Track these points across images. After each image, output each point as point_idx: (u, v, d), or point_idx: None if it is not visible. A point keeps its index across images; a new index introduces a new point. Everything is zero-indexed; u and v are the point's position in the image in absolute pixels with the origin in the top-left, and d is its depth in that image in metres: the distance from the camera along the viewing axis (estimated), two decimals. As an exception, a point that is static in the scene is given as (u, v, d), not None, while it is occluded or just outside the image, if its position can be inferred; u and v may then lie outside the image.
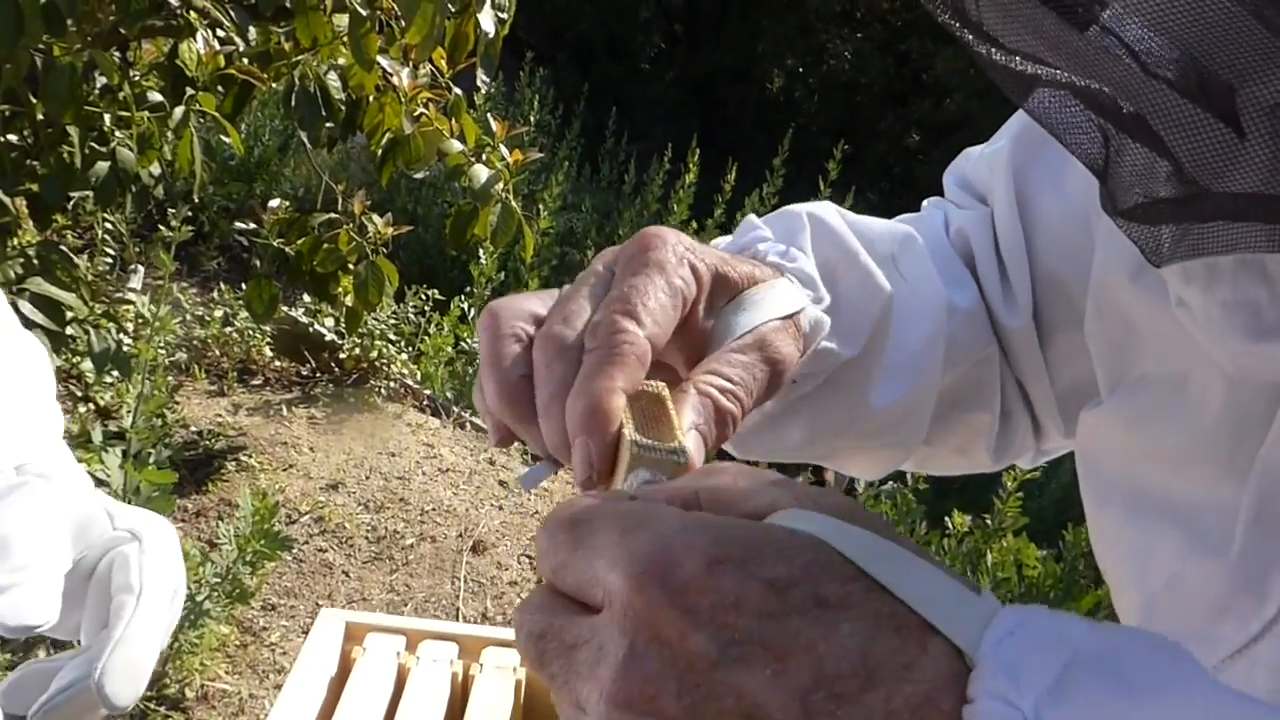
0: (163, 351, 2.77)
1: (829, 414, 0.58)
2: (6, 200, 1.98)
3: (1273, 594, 0.43)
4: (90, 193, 2.12)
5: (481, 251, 3.54)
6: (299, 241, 2.45)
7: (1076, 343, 0.60)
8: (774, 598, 0.29)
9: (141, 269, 3.32)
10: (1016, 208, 0.60)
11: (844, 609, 0.29)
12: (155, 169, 2.30)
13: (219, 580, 2.01)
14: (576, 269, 4.51)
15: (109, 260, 3.19)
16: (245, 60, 2.25)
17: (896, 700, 0.29)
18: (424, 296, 3.52)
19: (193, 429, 2.81)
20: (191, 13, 2.15)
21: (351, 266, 2.46)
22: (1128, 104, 0.35)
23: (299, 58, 2.26)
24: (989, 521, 2.68)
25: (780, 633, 0.29)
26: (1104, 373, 0.54)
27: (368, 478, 2.85)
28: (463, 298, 3.64)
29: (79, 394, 2.65)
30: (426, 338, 3.47)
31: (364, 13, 2.03)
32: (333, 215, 2.48)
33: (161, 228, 3.07)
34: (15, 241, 2.14)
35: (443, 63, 2.30)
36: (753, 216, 0.61)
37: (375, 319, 3.18)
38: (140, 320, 2.84)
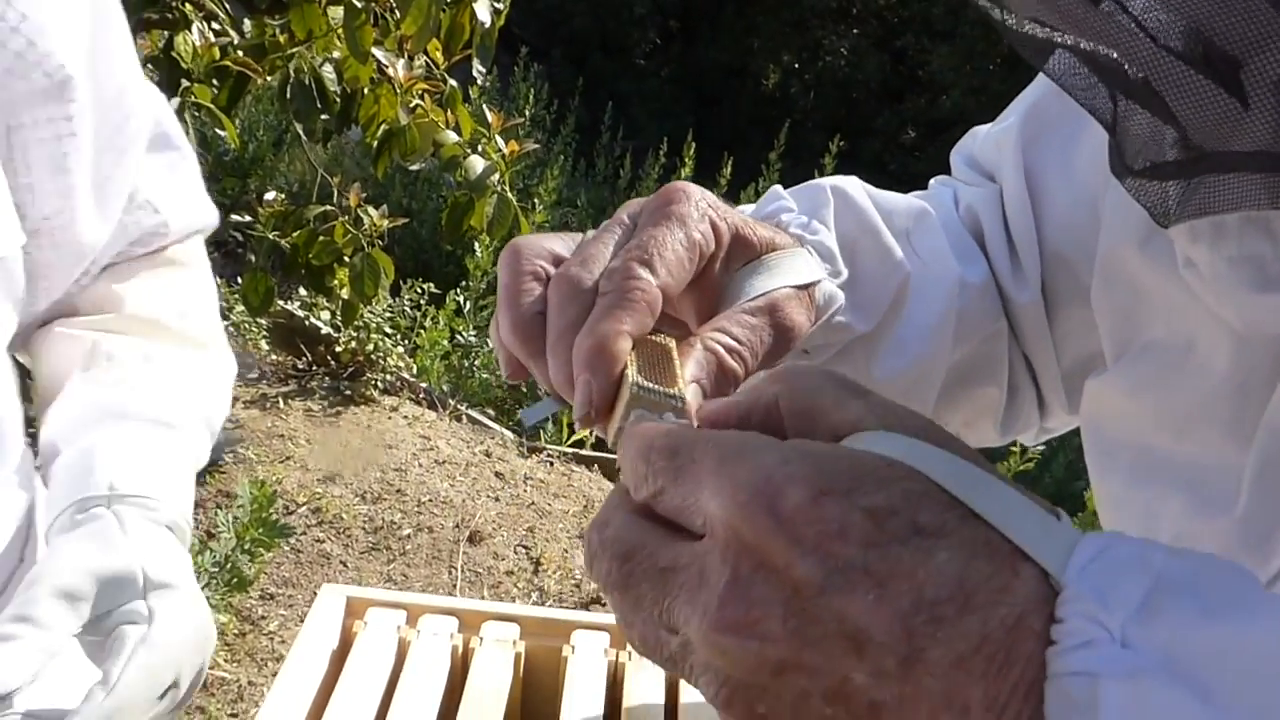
0: (159, 344, 2.77)
1: None
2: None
3: (1277, 550, 0.44)
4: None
5: (477, 245, 3.55)
6: (294, 234, 2.45)
7: (1082, 318, 0.61)
8: (875, 526, 0.30)
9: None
10: (1025, 184, 0.61)
11: (940, 536, 0.30)
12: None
13: (217, 569, 2.02)
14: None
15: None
16: (240, 53, 2.25)
17: (992, 622, 0.29)
18: (420, 290, 3.53)
19: (189, 421, 2.82)
20: (187, 5, 2.15)
21: (347, 259, 2.47)
22: (1136, 72, 0.36)
23: (294, 50, 2.26)
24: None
25: (882, 560, 0.30)
26: (1110, 341, 0.55)
27: (365, 469, 2.86)
28: (458, 291, 3.65)
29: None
30: (422, 331, 3.48)
31: (359, 4, 2.03)
32: (328, 208, 2.48)
33: (157, 221, 3.07)
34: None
35: (438, 54, 2.30)
36: (778, 188, 0.62)
37: (371, 312, 3.19)
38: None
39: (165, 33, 2.15)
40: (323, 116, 2.32)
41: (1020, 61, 0.42)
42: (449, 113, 2.32)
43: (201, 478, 2.63)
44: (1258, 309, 0.40)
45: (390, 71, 2.22)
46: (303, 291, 3.18)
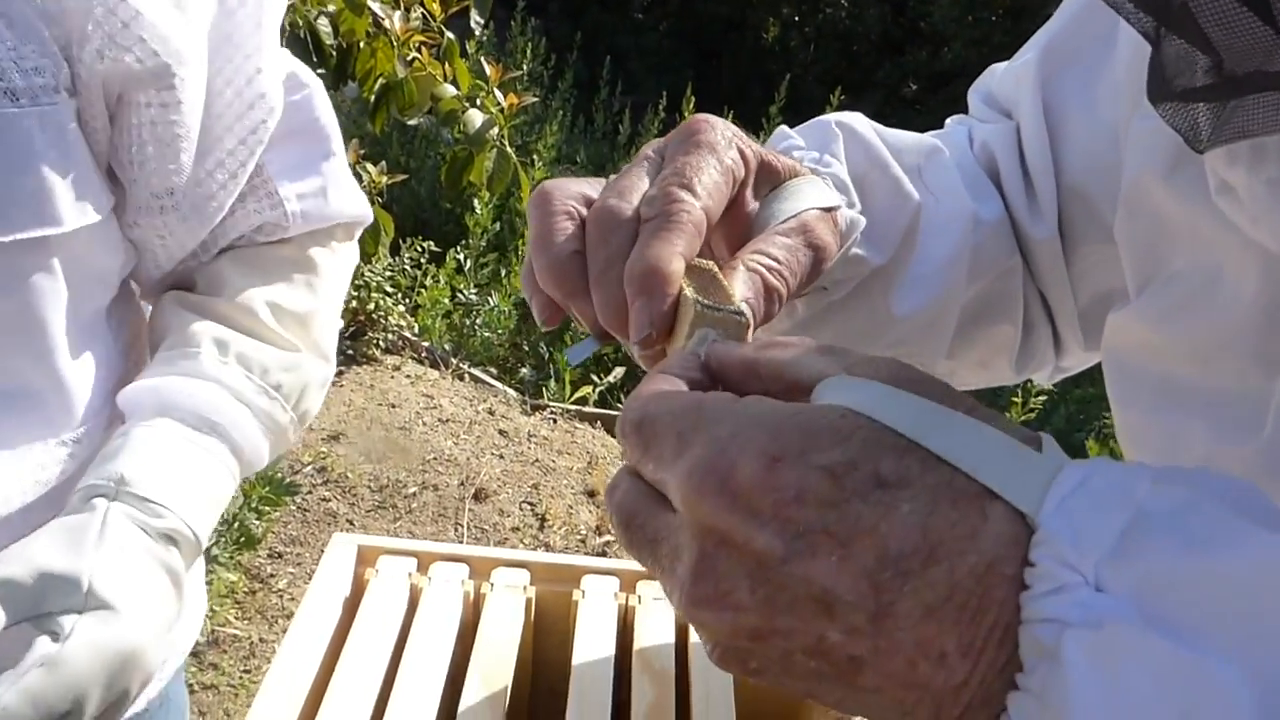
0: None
1: (854, 323, 0.59)
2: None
3: None
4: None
5: (477, 202, 3.53)
6: (294, 191, 2.43)
7: (1100, 255, 0.61)
8: (833, 485, 0.30)
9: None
10: (1044, 119, 0.61)
11: (902, 487, 0.30)
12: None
13: (225, 528, 2.03)
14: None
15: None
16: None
17: (960, 571, 0.29)
18: (420, 249, 3.51)
19: (193, 382, 2.82)
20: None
21: (347, 216, 2.45)
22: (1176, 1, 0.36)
23: (289, 2, 2.23)
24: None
25: (842, 519, 0.30)
26: (1134, 273, 0.55)
27: (369, 428, 2.86)
28: (458, 249, 3.63)
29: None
30: (423, 290, 3.47)
31: (354, -45, 2.00)
32: (327, 165, 2.46)
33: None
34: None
35: (435, 6, 2.27)
36: (784, 127, 0.62)
37: (371, 271, 3.18)
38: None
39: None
40: (318, 71, 2.29)
41: (1022, 12, 0.42)
42: (447, 66, 2.29)
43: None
44: None
45: (386, 24, 2.19)
46: (303, 251, 3.16)
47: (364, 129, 4.19)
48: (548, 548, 2.58)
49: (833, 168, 0.56)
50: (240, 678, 2.12)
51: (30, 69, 0.60)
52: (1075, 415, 3.71)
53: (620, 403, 3.37)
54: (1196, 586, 0.27)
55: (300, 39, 2.24)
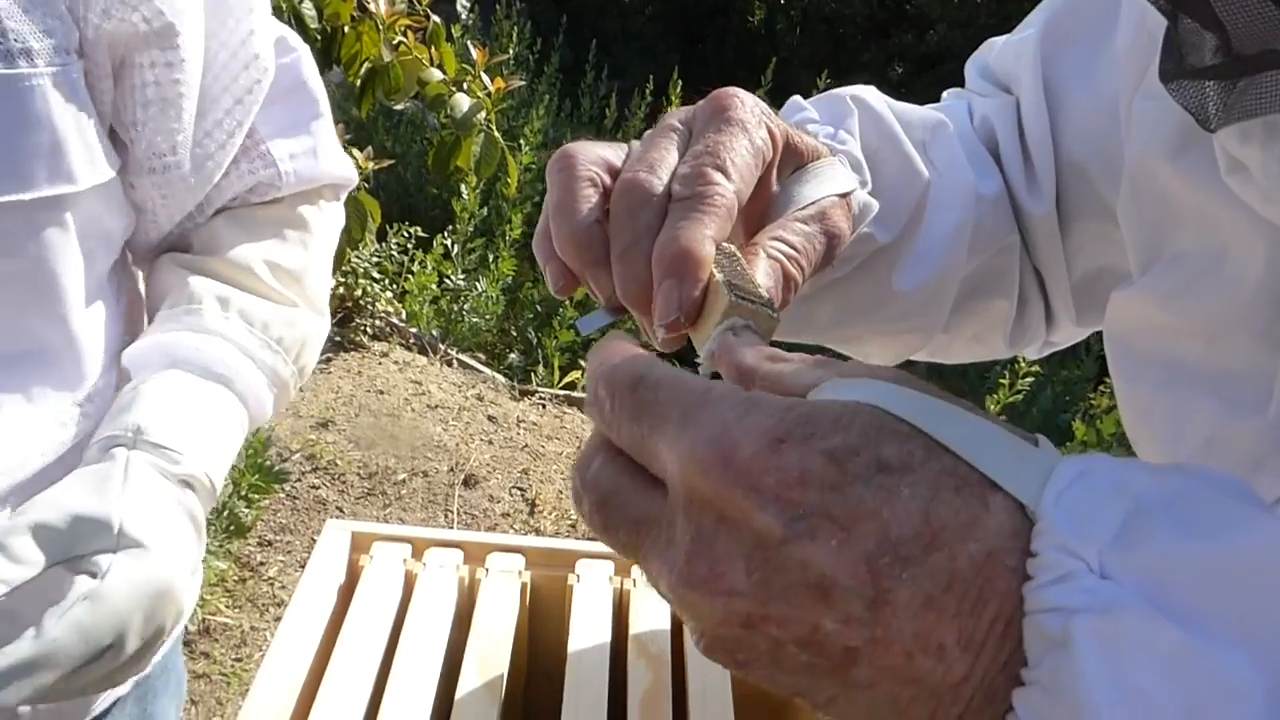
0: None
1: (856, 297, 0.59)
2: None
3: None
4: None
5: (464, 187, 3.51)
6: (280, 177, 2.42)
7: (1095, 231, 0.61)
8: (835, 468, 0.29)
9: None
10: (1044, 95, 0.61)
11: (904, 472, 0.30)
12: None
13: (215, 516, 2.02)
14: (559, 205, 4.47)
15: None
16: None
17: (961, 559, 0.29)
18: (406, 234, 3.50)
19: (179, 370, 2.81)
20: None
21: (333, 202, 2.44)
22: None
23: (272, -12, 2.20)
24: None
25: (844, 503, 0.29)
26: (1138, 252, 0.55)
27: (357, 415, 2.86)
28: (445, 235, 3.62)
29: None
30: (410, 276, 3.46)
31: (338, -62, 1.98)
32: (313, 150, 2.44)
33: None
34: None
35: (420, -10, 2.25)
36: (798, 98, 0.61)
37: (358, 257, 3.16)
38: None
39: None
40: (303, 56, 2.27)
41: None
42: (433, 50, 2.27)
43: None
44: None
45: (372, 7, 2.17)
46: (288, 238, 3.14)
47: (349, 114, 4.17)
48: (538, 533, 2.58)
49: (848, 144, 0.56)
50: (232, 666, 2.11)
51: (41, 31, 0.61)
52: (1061, 396, 3.74)
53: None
54: (1202, 572, 0.27)
55: (284, 22, 2.22)
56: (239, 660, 2.13)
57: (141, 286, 0.84)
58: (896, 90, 0.65)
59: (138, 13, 0.65)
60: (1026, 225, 0.63)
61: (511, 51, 4.78)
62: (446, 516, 2.57)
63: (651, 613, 0.82)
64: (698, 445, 0.31)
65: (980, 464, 0.30)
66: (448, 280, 3.55)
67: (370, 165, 2.61)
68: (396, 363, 3.15)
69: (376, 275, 3.25)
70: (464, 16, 2.26)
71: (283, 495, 2.49)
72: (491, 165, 2.28)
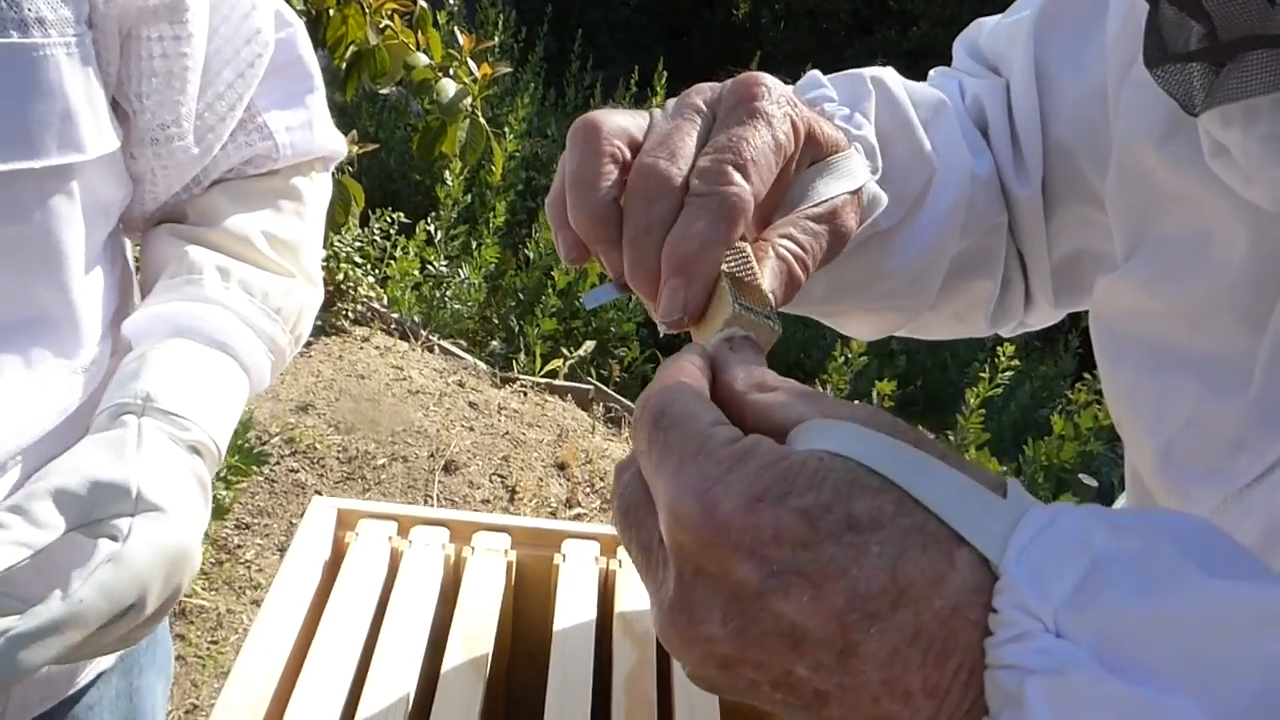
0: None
1: (850, 275, 0.60)
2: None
3: None
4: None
5: (448, 173, 3.50)
6: (263, 159, 2.40)
7: (1079, 215, 0.62)
8: (808, 526, 0.31)
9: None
10: (1035, 78, 0.62)
11: (874, 529, 0.31)
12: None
13: (193, 497, 2.01)
14: (543, 193, 4.47)
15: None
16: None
17: (925, 614, 0.30)
18: (389, 220, 3.48)
19: (157, 352, 2.79)
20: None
21: (317, 185, 2.42)
22: None
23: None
24: (952, 438, 2.75)
25: (815, 561, 0.31)
26: (1124, 237, 0.56)
27: (337, 400, 2.84)
28: (428, 221, 3.61)
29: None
30: (393, 261, 3.44)
31: (326, -82, 1.97)
32: (296, 133, 2.43)
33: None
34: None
35: (407, -26, 2.24)
36: (816, 73, 0.61)
37: (340, 242, 3.14)
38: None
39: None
40: (288, 38, 2.26)
41: None
42: (419, 35, 2.26)
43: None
44: None
45: (358, -10, 2.16)
46: (270, 221, 3.12)
47: (332, 99, 4.14)
48: (518, 520, 2.59)
49: (863, 129, 0.56)
50: (208, 649, 2.11)
51: (56, 1, 0.62)
52: (1040, 391, 3.77)
53: (590, 376, 3.37)
54: (1151, 630, 0.28)
55: (269, 3, 2.21)
56: (215, 643, 2.12)
57: (132, 257, 0.84)
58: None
59: None
60: (1012, 207, 0.64)
61: (497, 40, 4.76)
62: (426, 502, 2.57)
63: (636, 592, 0.83)
64: (681, 499, 0.32)
65: (948, 519, 0.31)
66: (430, 266, 3.54)
67: (355, 149, 2.60)
68: (378, 348, 3.14)
69: (359, 260, 3.23)
70: (451, 2, 2.25)
71: (261, 478, 2.48)
72: (477, 151, 2.27)
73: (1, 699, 0.74)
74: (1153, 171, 0.52)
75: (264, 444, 2.58)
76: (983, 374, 2.74)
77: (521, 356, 3.37)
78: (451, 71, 2.28)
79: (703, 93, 0.47)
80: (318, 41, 2.29)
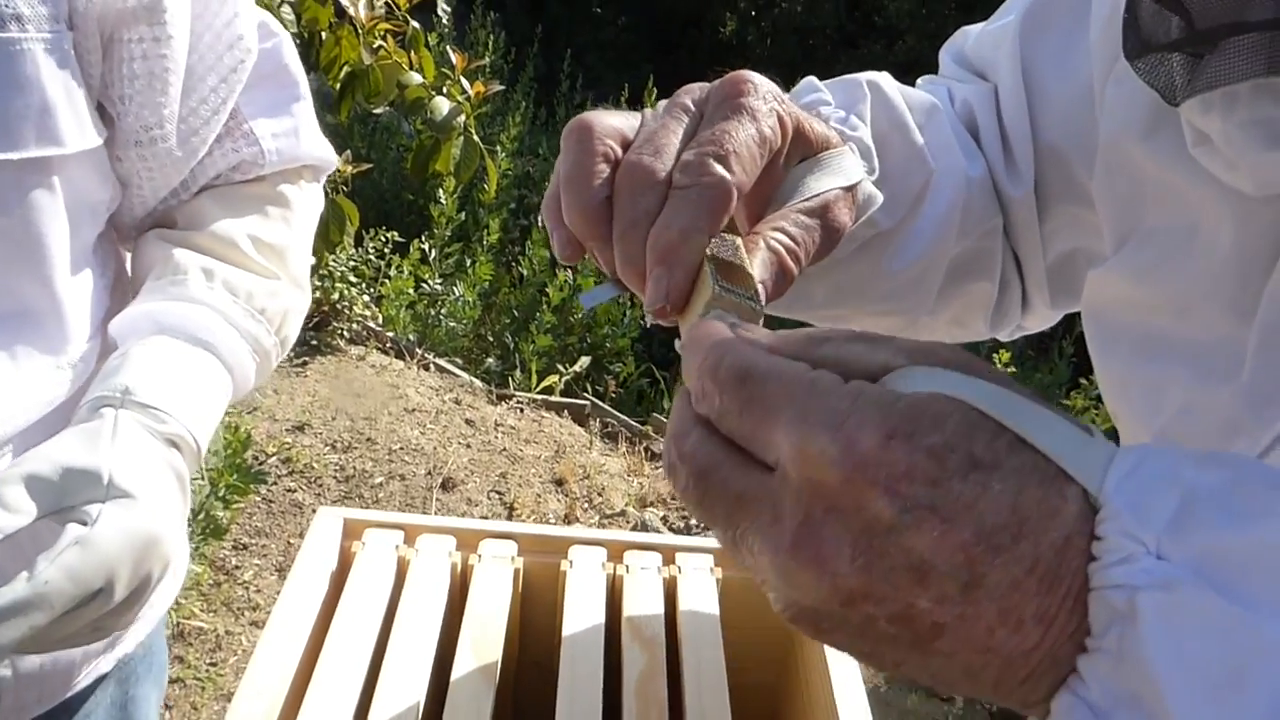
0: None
1: (851, 278, 0.61)
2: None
3: (1279, 414, 0.46)
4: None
5: (441, 191, 3.51)
6: (257, 180, 2.40)
7: (1072, 215, 0.63)
8: (937, 465, 0.32)
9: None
10: (1023, 80, 0.62)
11: (994, 468, 0.32)
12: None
13: (191, 518, 2.01)
14: (535, 211, 4.49)
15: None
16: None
17: (1043, 545, 0.32)
18: (383, 239, 3.49)
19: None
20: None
21: (311, 205, 2.43)
22: None
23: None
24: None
25: (945, 496, 0.32)
26: (1112, 230, 0.57)
27: (334, 419, 2.84)
28: (422, 239, 3.61)
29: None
30: (387, 280, 3.45)
31: (318, -60, 1.98)
32: (290, 153, 2.43)
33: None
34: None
35: (399, -5, 2.26)
36: (813, 79, 0.62)
37: (335, 261, 3.15)
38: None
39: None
40: (281, 59, 2.26)
41: (975, 6, 0.44)
42: (412, 54, 2.27)
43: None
44: (1270, 167, 0.43)
45: (351, 12, 2.17)
46: (264, 242, 3.13)
47: (324, 120, 4.15)
48: (516, 536, 2.58)
49: (859, 131, 0.57)
50: (206, 671, 2.09)
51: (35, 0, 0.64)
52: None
53: (586, 392, 3.37)
54: (1245, 556, 0.30)
55: (262, 25, 2.22)
56: (214, 665, 2.11)
57: (128, 265, 0.85)
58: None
59: None
60: (1005, 208, 0.65)
61: (487, 60, 4.78)
62: (424, 520, 2.57)
63: (644, 597, 0.83)
64: (815, 436, 0.33)
65: (1056, 457, 0.33)
66: (425, 285, 3.54)
67: (348, 169, 2.61)
68: (373, 366, 3.14)
69: (354, 279, 3.24)
70: (444, 19, 2.26)
71: (259, 499, 2.47)
72: (471, 168, 2.28)
73: None
74: (1138, 165, 0.53)
75: (261, 464, 2.58)
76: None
77: (517, 373, 3.37)
78: (445, 90, 2.30)
79: (691, 92, 0.48)
80: (311, 64, 2.30)
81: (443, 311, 3.52)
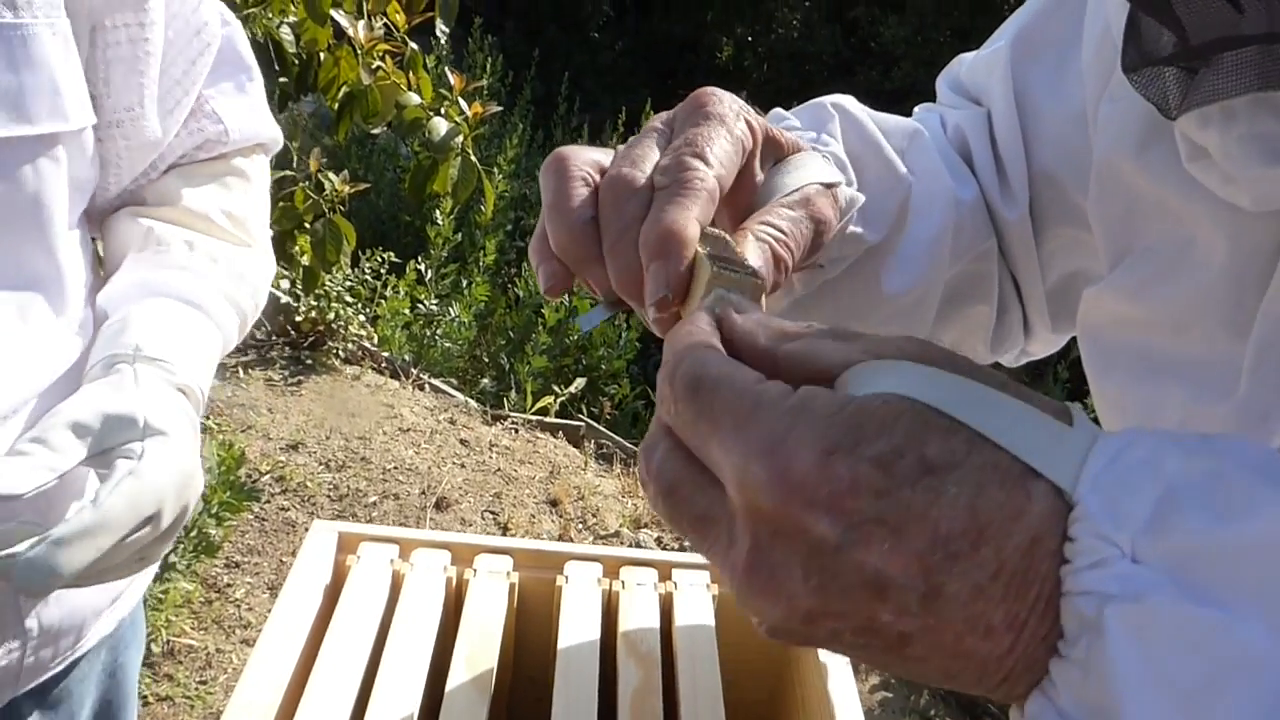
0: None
1: (847, 301, 0.61)
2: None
3: (1275, 429, 0.46)
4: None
5: (438, 212, 3.52)
6: (255, 199, 2.41)
7: (1068, 237, 0.63)
8: (883, 474, 0.31)
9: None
10: (1015, 103, 0.63)
11: (949, 470, 0.31)
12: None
13: (184, 534, 2.00)
14: (531, 234, 4.49)
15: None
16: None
17: (1007, 549, 0.30)
18: (380, 259, 3.49)
19: (147, 392, 2.77)
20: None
21: (308, 225, 2.43)
22: None
23: (250, 11, 2.22)
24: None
25: (894, 507, 0.30)
26: (1108, 249, 0.57)
27: (328, 438, 2.83)
28: (418, 260, 3.62)
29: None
30: (383, 300, 3.45)
31: (318, -37, 2.00)
32: (288, 173, 2.44)
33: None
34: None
35: (398, 16, 2.27)
36: (779, 109, 0.63)
37: (331, 281, 3.15)
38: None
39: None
40: (280, 80, 2.28)
41: (970, 33, 0.44)
42: (410, 75, 2.29)
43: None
44: (1268, 182, 0.42)
45: (350, 33, 2.19)
46: (260, 260, 3.13)
47: (321, 142, 4.16)
48: (510, 557, 2.57)
49: (831, 146, 0.58)
50: (196, 689, 2.08)
51: None
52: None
53: (580, 414, 3.37)
54: (1226, 555, 0.29)
55: (262, 47, 2.23)
56: (203, 683, 2.09)
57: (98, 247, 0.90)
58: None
59: None
60: (1001, 231, 0.65)
61: (485, 83, 4.81)
62: (418, 540, 2.56)
63: (640, 612, 0.82)
64: (751, 460, 0.32)
65: (1021, 453, 0.31)
66: (420, 305, 3.55)
67: (345, 189, 2.62)
68: (368, 386, 3.13)
69: (349, 299, 3.24)
70: (443, 40, 2.28)
71: (252, 517, 2.46)
72: (469, 188, 2.29)
73: (21, 638, 0.79)
74: (1131, 182, 0.53)
75: (254, 482, 2.57)
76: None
77: (512, 394, 3.37)
78: (443, 111, 2.31)
79: (660, 116, 0.49)
80: (310, 84, 2.31)
81: (438, 332, 3.52)
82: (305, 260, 2.56)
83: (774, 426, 0.32)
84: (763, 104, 0.64)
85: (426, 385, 3.27)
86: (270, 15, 2.23)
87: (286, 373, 3.09)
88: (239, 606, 2.26)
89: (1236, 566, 0.28)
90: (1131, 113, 0.52)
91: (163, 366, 0.73)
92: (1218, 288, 0.49)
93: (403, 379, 3.25)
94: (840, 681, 0.77)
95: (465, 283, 3.71)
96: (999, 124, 0.65)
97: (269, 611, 0.81)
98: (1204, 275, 0.50)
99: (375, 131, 2.33)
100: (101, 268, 0.88)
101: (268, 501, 2.55)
